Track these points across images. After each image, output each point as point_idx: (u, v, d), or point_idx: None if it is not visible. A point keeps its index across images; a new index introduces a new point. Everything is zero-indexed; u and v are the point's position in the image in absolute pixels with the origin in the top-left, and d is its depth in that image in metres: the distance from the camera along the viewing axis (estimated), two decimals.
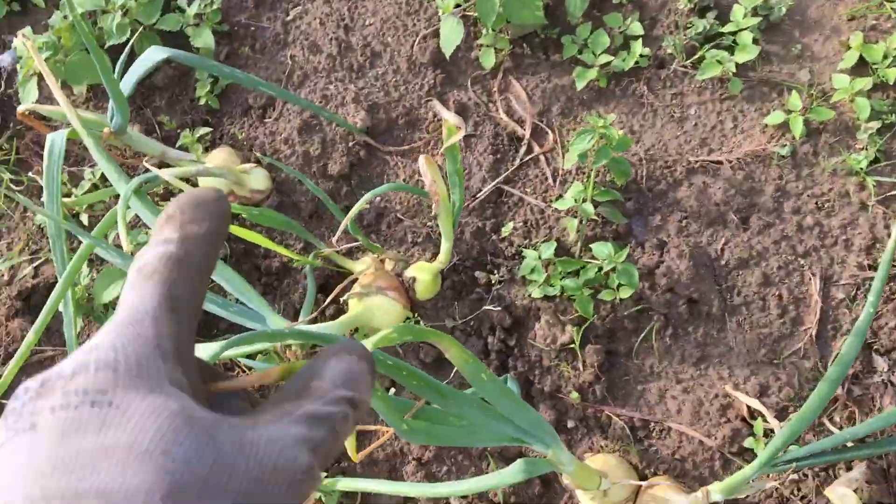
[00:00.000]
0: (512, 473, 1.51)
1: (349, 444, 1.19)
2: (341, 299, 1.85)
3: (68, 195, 2.28)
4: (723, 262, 1.83)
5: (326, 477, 1.80)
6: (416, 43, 2.18)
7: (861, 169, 1.80)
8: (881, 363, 1.69)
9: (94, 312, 2.07)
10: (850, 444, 1.63)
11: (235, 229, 1.83)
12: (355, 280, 1.94)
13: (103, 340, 0.42)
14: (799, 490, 1.66)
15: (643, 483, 1.67)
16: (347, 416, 0.44)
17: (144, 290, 0.45)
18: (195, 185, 2.19)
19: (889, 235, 1.71)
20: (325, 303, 1.81)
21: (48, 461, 0.36)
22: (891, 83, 1.85)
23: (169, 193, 2.21)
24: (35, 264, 2.24)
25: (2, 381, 1.60)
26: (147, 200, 1.85)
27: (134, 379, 0.40)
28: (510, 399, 1.38)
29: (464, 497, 1.78)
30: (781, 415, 1.70)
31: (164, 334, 0.44)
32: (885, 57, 1.86)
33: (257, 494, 0.37)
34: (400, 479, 1.82)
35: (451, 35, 2.07)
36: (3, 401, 1.17)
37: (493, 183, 2.03)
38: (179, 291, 0.46)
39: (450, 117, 1.53)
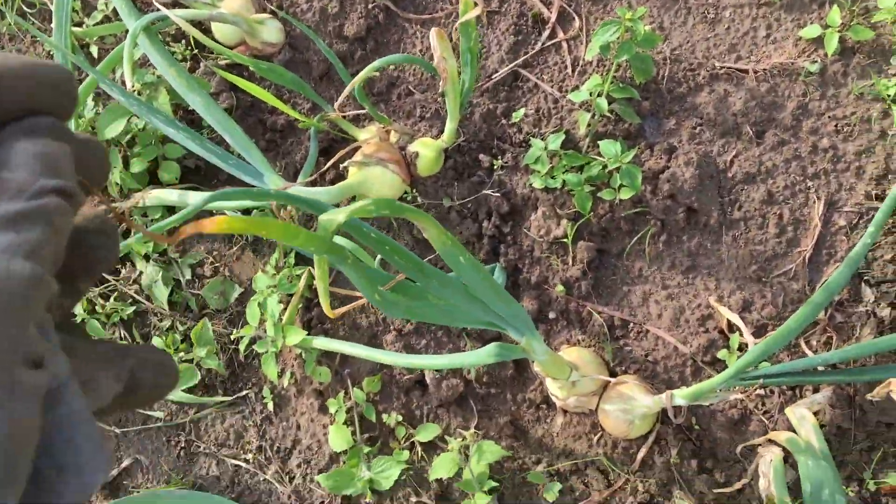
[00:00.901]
0: (484, 355, 1.55)
1: (324, 299, 1.22)
2: (341, 165, 1.84)
3: (80, 24, 2.24)
4: (729, 175, 1.80)
5: (308, 335, 1.86)
6: None
7: (889, 96, 1.73)
8: (869, 294, 1.69)
9: None
10: (820, 369, 1.67)
11: (243, 83, 1.80)
12: (358, 148, 1.93)
13: None
14: (763, 405, 1.71)
15: (612, 379, 1.72)
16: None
17: None
18: (207, 30, 2.14)
19: None
20: (325, 167, 1.81)
21: None
22: None
23: (181, 35, 2.16)
24: None
25: None
26: (156, 40, 1.82)
27: None
28: (489, 285, 1.39)
29: (437, 371, 1.84)
30: (760, 332, 1.72)
31: None
32: None
33: None
34: (379, 347, 1.88)
35: None
36: None
37: (511, 65, 1.97)
38: None
39: None
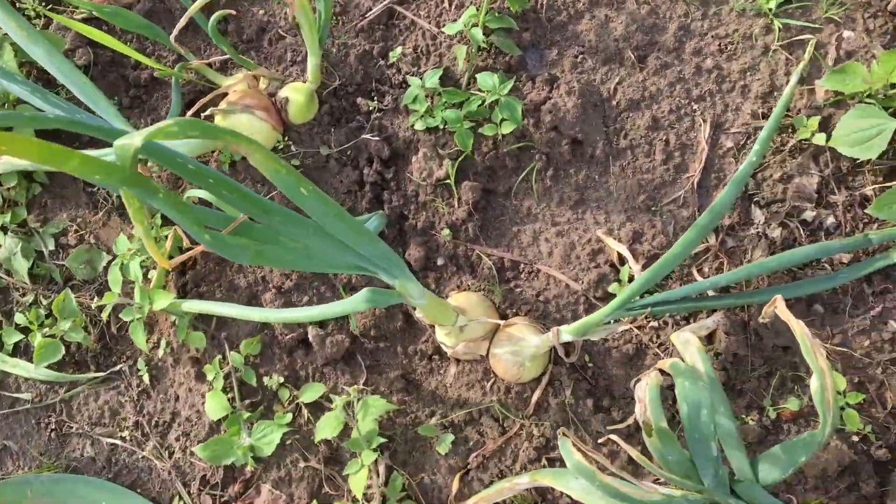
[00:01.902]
0: (354, 302, 1.44)
1: (149, 244, 1.09)
2: (202, 115, 1.71)
3: None
4: (613, 103, 1.72)
5: (182, 298, 1.74)
6: None
7: (770, 10, 1.67)
8: (759, 215, 1.63)
9: None
10: (712, 294, 1.60)
11: (98, 34, 1.65)
12: (224, 96, 1.80)
13: None
14: (658, 337, 1.64)
15: (501, 322, 1.63)
16: None
17: None
18: None
19: (788, 83, 1.60)
20: (185, 117, 1.67)
21: None
22: None
23: None
24: None
25: None
26: None
27: None
28: (343, 221, 1.28)
29: (321, 327, 1.73)
30: (651, 262, 1.65)
31: None
32: None
33: None
34: (259, 307, 1.76)
35: None
36: None
37: (386, 2, 1.86)
38: None
39: None
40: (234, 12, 1.67)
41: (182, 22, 1.41)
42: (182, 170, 1.09)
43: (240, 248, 1.21)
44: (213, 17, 1.64)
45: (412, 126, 1.77)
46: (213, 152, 1.84)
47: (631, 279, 1.62)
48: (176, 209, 1.07)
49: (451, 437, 1.65)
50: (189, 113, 1.67)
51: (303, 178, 1.15)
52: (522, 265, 1.72)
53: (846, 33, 1.66)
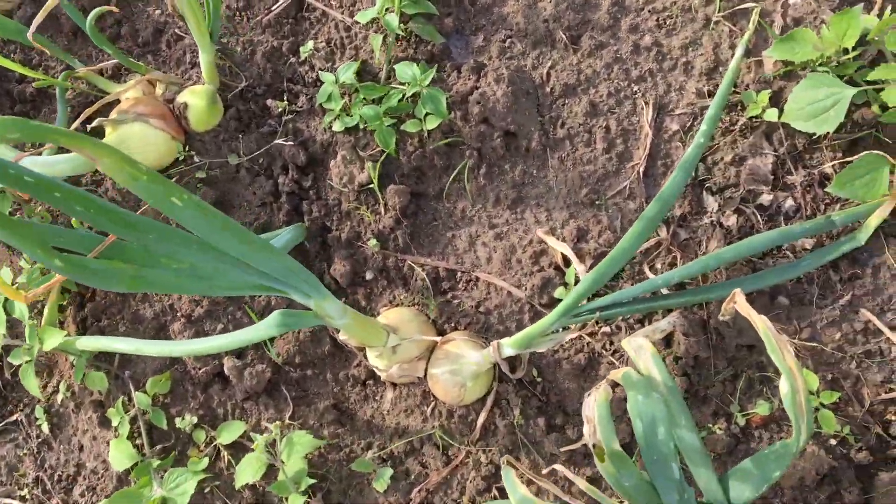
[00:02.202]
0: (265, 328, 1.26)
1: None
2: (89, 127, 1.52)
3: None
4: (547, 90, 1.57)
5: (79, 335, 1.54)
6: None
7: None
8: (712, 202, 1.48)
9: None
10: (665, 292, 1.45)
11: None
12: (116, 104, 1.61)
13: None
14: (611, 344, 1.48)
15: (438, 339, 1.46)
16: None
17: None
18: None
19: (734, 56, 1.46)
20: (70, 129, 1.48)
21: None
22: None
23: None
24: None
25: None
26: None
27: None
28: (235, 235, 1.10)
29: (239, 357, 1.54)
30: (598, 262, 1.49)
31: None
32: None
33: None
34: (168, 339, 1.57)
35: None
36: None
37: None
38: None
39: None
40: (114, 9, 1.49)
41: (39, 18, 1.23)
42: (19, 183, 0.90)
43: (110, 274, 1.03)
44: (90, 15, 1.45)
45: (329, 127, 1.60)
46: None
47: (577, 282, 1.47)
48: (12, 230, 0.88)
49: (389, 472, 1.47)
50: (73, 125, 1.48)
51: (174, 187, 0.97)
52: (459, 274, 1.55)
53: None
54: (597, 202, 1.53)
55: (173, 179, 1.59)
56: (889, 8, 1.46)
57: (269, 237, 1.53)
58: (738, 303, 1.18)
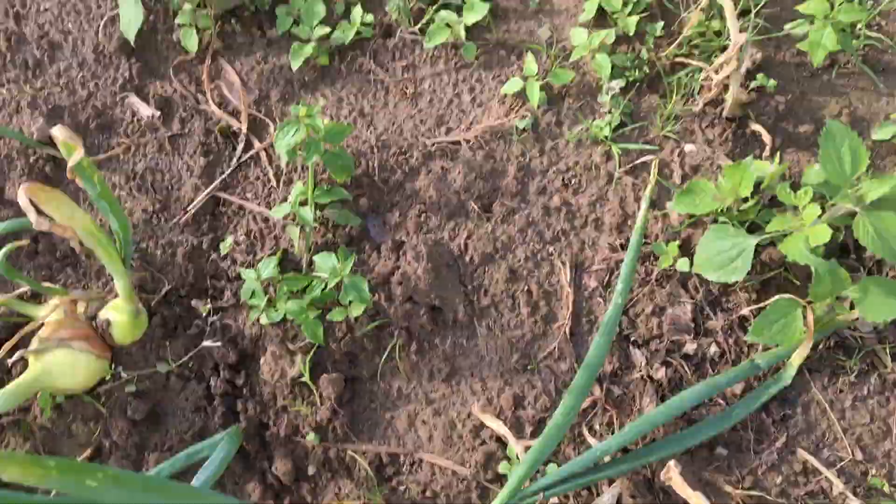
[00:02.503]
0: None
1: None
2: (11, 361, 1.50)
3: None
4: (467, 259, 1.59)
5: None
6: (101, 28, 1.80)
7: (606, 136, 1.59)
8: (639, 356, 1.50)
9: None
10: (607, 460, 1.45)
11: None
12: (36, 331, 1.59)
13: None
14: None
15: None
16: None
17: None
18: None
19: (640, 209, 1.51)
20: None
21: None
22: (632, 34, 1.64)
23: None
24: None
25: None
26: None
27: None
28: (159, 490, 1.08)
29: None
30: (539, 428, 1.49)
31: None
32: (625, 4, 1.65)
33: None
34: None
35: (130, 15, 1.70)
36: None
37: (208, 190, 1.71)
38: None
39: (59, 133, 1.19)
40: (24, 243, 1.48)
41: None
42: None
43: None
44: (1, 253, 1.45)
45: (257, 321, 1.60)
46: (35, 396, 1.61)
47: (520, 455, 1.46)
48: None
49: None
50: None
51: (86, 468, 0.95)
52: (402, 457, 1.54)
53: (687, 147, 1.60)
54: (528, 367, 1.54)
55: (102, 399, 1.57)
56: (778, 155, 1.53)
57: (208, 445, 1.49)
58: (673, 480, 1.19)
